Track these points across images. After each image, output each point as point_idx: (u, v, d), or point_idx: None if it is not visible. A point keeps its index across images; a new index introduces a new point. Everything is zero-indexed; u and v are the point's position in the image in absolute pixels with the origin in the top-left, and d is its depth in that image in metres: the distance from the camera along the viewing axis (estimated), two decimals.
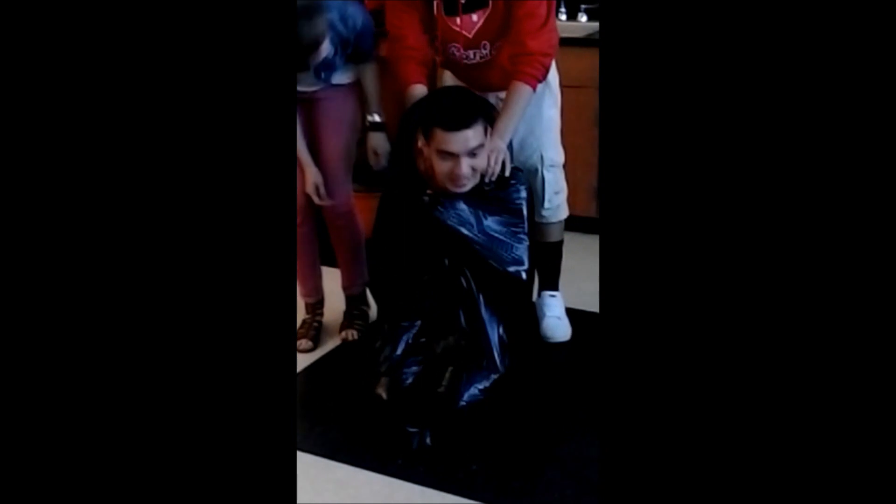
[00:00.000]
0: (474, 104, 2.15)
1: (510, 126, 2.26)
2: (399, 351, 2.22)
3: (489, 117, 2.17)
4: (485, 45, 2.32)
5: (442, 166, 2.12)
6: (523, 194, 2.25)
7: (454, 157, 2.10)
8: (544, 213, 2.54)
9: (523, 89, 2.25)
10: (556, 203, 2.55)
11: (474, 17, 2.28)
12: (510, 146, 2.40)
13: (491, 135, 2.22)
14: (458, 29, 2.30)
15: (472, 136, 2.08)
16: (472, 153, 2.10)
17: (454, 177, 2.12)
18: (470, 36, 2.31)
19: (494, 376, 2.19)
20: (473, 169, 2.12)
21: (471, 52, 2.35)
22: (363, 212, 2.61)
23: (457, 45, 2.34)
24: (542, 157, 2.47)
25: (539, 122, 2.45)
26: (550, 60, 2.31)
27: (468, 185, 2.15)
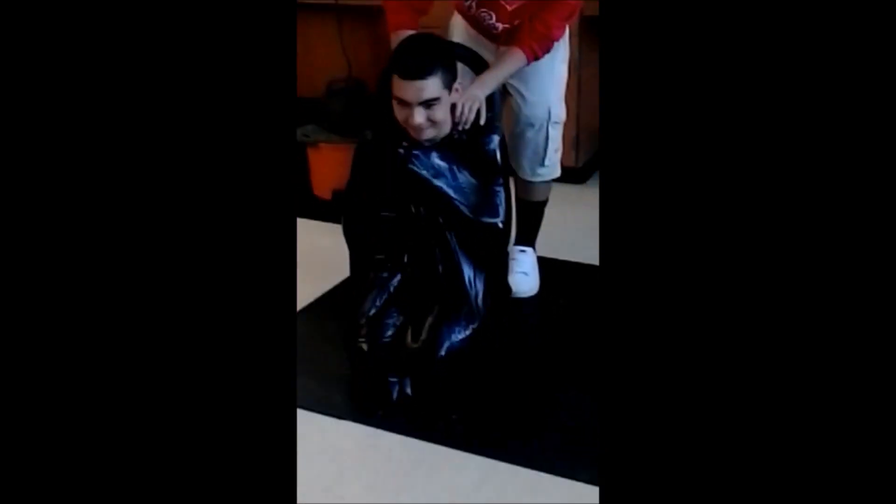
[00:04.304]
0: (437, 56, 2.10)
1: (494, 81, 2.26)
2: (379, 303, 2.22)
3: (453, 72, 2.14)
4: (517, 21, 2.31)
5: (399, 113, 2.11)
6: (495, 144, 2.25)
7: (409, 105, 2.08)
8: (541, 171, 2.54)
9: (521, 58, 2.25)
10: (554, 161, 2.54)
11: None
12: (522, 98, 2.41)
13: (471, 82, 2.24)
14: (502, 2, 2.29)
15: (426, 86, 2.04)
16: (428, 104, 2.07)
17: (410, 126, 2.11)
18: (510, 10, 2.30)
19: (473, 326, 2.20)
20: (431, 120, 2.10)
21: (500, 25, 2.35)
22: (339, 164, 2.60)
23: (492, 13, 2.33)
24: (549, 113, 2.45)
25: (551, 77, 2.44)
26: (554, 44, 2.32)
27: (429, 135, 2.14)
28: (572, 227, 3.02)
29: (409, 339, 2.18)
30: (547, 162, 2.52)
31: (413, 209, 2.22)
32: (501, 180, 2.25)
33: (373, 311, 2.22)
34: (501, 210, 2.24)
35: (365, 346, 2.18)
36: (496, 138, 2.25)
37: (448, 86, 2.10)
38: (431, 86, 2.06)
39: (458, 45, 2.39)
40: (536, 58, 2.27)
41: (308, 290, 2.66)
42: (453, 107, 2.17)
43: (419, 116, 2.08)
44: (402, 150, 2.17)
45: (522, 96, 2.43)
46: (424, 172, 2.17)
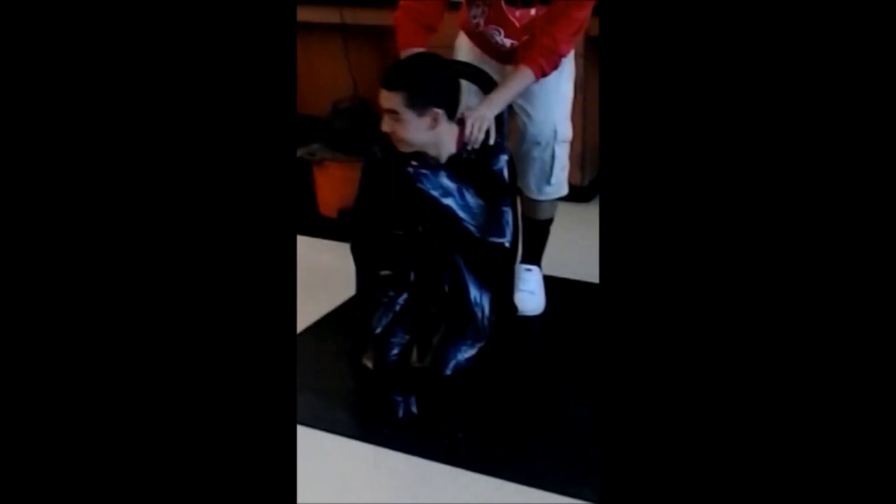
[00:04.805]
0: (412, 76, 2.12)
1: (502, 100, 2.27)
2: (385, 321, 2.22)
3: (426, 98, 2.12)
4: (525, 37, 2.32)
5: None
6: (503, 164, 2.25)
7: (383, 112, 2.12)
8: (548, 189, 2.53)
9: (529, 75, 2.26)
10: (561, 180, 2.54)
11: (532, 11, 2.28)
12: (528, 117, 2.42)
13: (480, 102, 2.25)
14: (512, 19, 2.30)
15: (388, 97, 2.09)
16: (393, 116, 2.10)
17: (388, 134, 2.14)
18: (519, 26, 2.31)
19: (479, 344, 2.20)
20: (397, 135, 2.12)
21: (509, 41, 2.36)
22: (344, 182, 2.60)
23: (501, 30, 2.34)
24: (555, 132, 2.45)
25: (557, 95, 2.44)
26: (562, 60, 2.33)
27: (403, 149, 2.16)
28: (578, 246, 3.01)
29: (414, 357, 2.18)
30: (553, 180, 2.51)
31: (420, 228, 2.22)
32: (509, 200, 2.26)
33: (379, 330, 2.22)
34: (509, 231, 2.24)
35: (371, 365, 2.18)
36: (504, 158, 2.25)
37: (415, 108, 2.10)
38: (394, 98, 2.09)
39: (467, 63, 2.40)
40: (544, 74, 2.27)
41: (314, 308, 2.66)
42: (462, 124, 2.18)
43: (385, 125, 2.13)
44: (410, 169, 2.18)
45: (528, 115, 2.43)
46: (433, 192, 2.17)
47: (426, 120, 2.12)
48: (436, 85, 2.15)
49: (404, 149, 2.16)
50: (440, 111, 2.13)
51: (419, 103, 2.10)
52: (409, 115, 2.10)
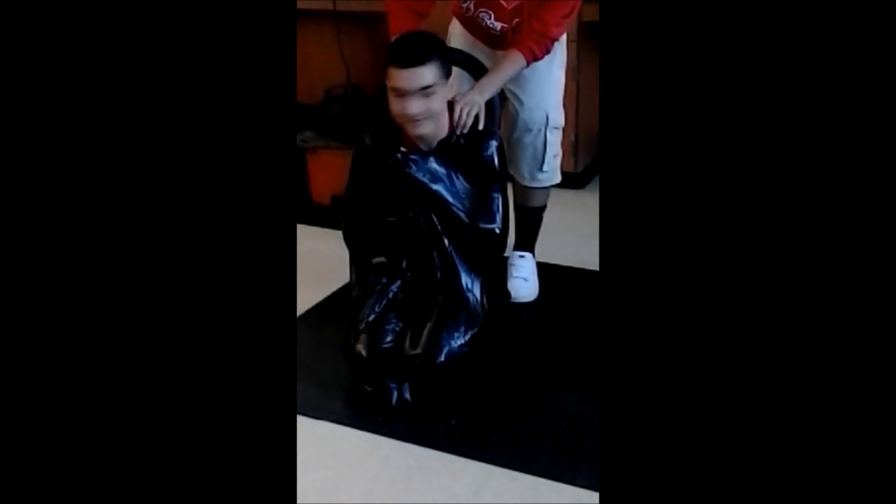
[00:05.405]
0: (432, 46, 2.11)
1: (493, 86, 2.27)
2: (378, 309, 2.23)
3: (448, 65, 2.15)
4: (516, 21, 2.32)
5: (395, 106, 2.10)
6: (493, 150, 2.25)
7: (404, 95, 2.07)
8: (540, 176, 2.53)
9: (520, 60, 2.26)
10: (553, 167, 2.54)
11: None
12: (519, 103, 2.42)
13: (471, 87, 2.25)
14: (501, 1, 2.29)
15: (423, 73, 2.05)
16: (425, 93, 2.07)
17: (405, 118, 2.10)
18: (508, 9, 2.30)
19: (472, 331, 2.20)
20: (428, 112, 2.09)
21: (499, 24, 2.35)
22: (337, 169, 2.60)
23: (490, 13, 2.34)
24: (547, 118, 2.45)
25: (548, 81, 2.44)
26: (554, 45, 2.32)
27: (426, 129, 2.14)
28: (571, 233, 3.02)
29: (407, 344, 2.19)
30: (546, 167, 2.52)
31: (410, 214, 2.22)
32: (499, 186, 2.26)
33: (372, 317, 2.22)
34: (498, 217, 2.24)
35: (364, 352, 2.18)
36: (494, 144, 2.26)
37: (444, 77, 2.10)
38: (428, 73, 2.06)
39: (456, 50, 2.40)
40: (536, 58, 2.27)
41: (307, 295, 2.66)
42: (451, 109, 2.18)
43: (415, 106, 2.07)
44: (399, 155, 2.17)
45: (520, 101, 2.44)
46: (422, 177, 2.17)
47: (448, 91, 2.13)
48: (446, 53, 2.18)
49: (426, 131, 2.14)
50: (458, 91, 2.16)
51: (446, 70, 2.11)
52: (441, 86, 2.10)
